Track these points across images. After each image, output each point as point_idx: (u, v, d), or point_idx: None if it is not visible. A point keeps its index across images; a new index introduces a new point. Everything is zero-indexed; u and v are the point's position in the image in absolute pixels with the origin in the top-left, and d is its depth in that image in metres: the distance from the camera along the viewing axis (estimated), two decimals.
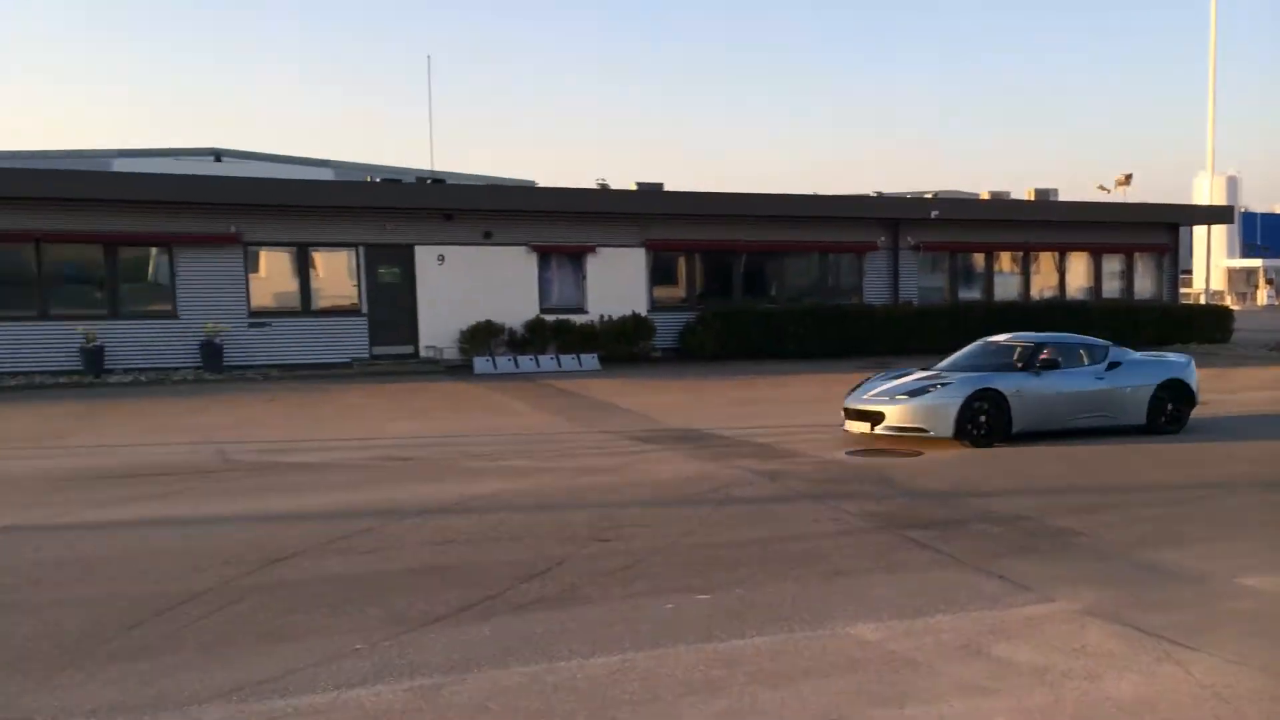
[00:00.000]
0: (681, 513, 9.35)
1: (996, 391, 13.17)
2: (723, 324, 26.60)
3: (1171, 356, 15.07)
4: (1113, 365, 14.18)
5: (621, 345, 26.08)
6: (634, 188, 28.92)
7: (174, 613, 6.54)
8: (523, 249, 26.07)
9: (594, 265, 26.80)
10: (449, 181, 30.74)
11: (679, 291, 28.19)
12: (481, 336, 25.15)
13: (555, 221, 26.28)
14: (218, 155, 39.16)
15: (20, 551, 8.33)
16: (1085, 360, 14.20)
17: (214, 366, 22.96)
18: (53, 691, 5.29)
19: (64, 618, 6.49)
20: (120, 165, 32.17)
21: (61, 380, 21.55)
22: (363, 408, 17.98)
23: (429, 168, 38.92)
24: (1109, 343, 14.99)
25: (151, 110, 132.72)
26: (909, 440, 13.20)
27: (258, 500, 10.22)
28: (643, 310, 27.03)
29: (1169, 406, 14.20)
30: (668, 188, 28.90)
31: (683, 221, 27.42)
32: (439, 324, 25.28)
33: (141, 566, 7.78)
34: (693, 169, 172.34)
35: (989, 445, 13.05)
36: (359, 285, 24.90)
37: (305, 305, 24.58)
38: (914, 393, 13.25)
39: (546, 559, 7.74)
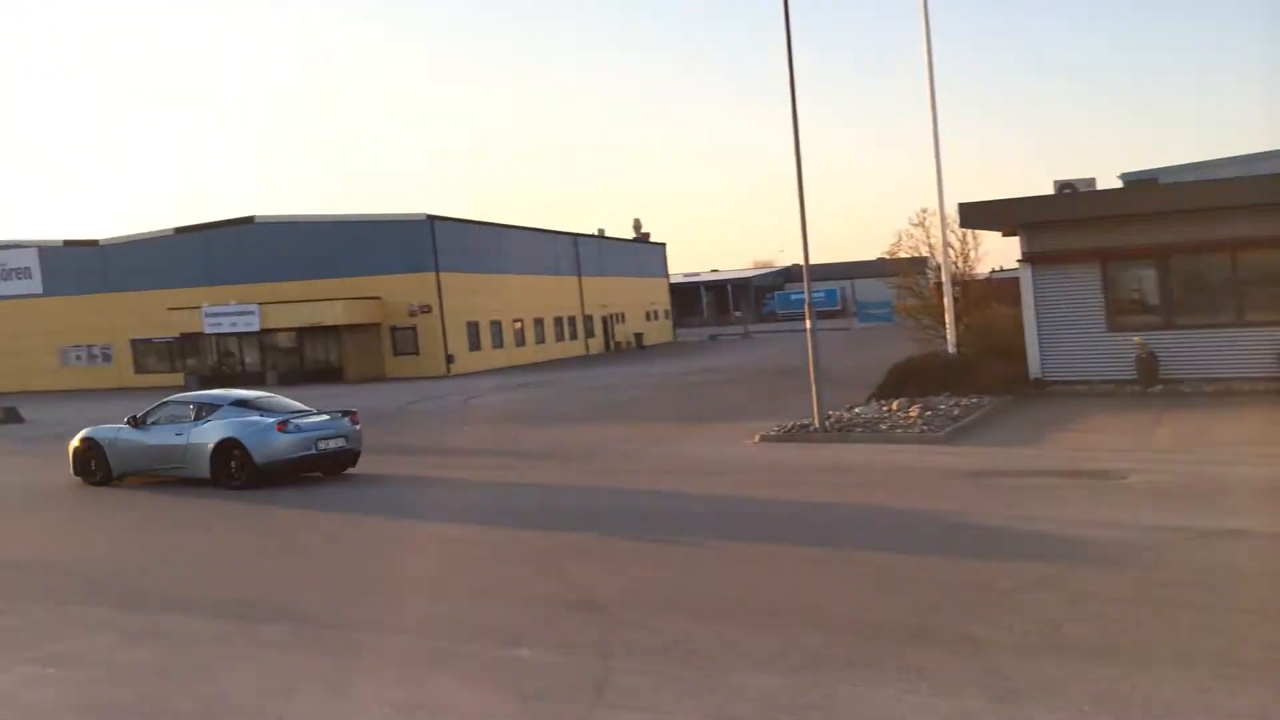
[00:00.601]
0: None
1: (97, 440, 17.60)
2: None
3: (254, 417, 16.54)
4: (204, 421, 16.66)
5: None
6: None
7: None
8: None
9: None
10: None
11: None
12: None
13: None
14: None
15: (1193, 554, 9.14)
16: (191, 417, 16.89)
17: None
18: None
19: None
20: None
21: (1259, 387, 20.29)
22: None
23: None
24: (226, 399, 17.28)
25: None
26: None
27: None
28: None
29: (233, 464, 16.16)
30: None
31: None
32: None
33: None
34: None
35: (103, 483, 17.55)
36: None
37: None
38: None
39: None
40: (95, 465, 17.81)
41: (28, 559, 12.45)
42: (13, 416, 34.43)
